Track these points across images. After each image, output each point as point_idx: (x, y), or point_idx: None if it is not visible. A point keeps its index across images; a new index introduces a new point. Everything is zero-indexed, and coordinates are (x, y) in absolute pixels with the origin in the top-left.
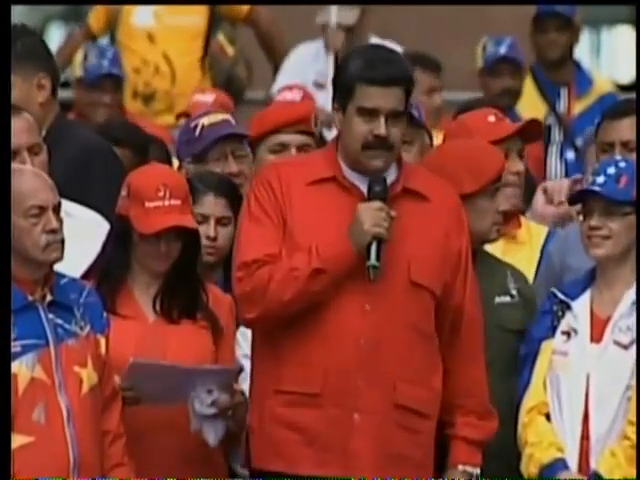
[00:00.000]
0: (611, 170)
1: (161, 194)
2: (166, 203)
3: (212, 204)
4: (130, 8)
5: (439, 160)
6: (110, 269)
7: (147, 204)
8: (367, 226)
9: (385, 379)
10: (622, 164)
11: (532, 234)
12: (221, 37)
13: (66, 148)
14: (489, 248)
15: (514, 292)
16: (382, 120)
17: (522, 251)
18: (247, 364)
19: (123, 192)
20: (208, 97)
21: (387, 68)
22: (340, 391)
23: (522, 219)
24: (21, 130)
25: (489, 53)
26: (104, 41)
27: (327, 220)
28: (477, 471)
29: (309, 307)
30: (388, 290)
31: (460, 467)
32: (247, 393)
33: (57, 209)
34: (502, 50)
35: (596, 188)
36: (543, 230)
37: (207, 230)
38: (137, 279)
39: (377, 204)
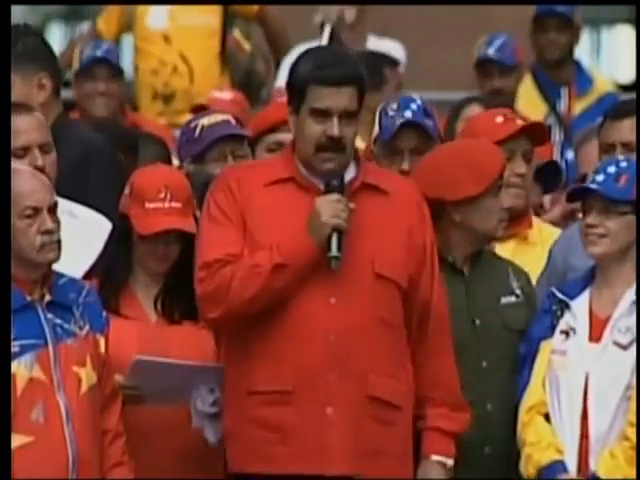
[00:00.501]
0: (611, 169)
1: (162, 195)
2: (166, 205)
3: None
4: (143, 11)
5: (437, 162)
6: (112, 269)
7: (147, 205)
8: (325, 218)
9: (356, 372)
10: (623, 163)
11: (543, 235)
12: (237, 33)
13: (66, 148)
14: (501, 249)
15: (518, 291)
16: (335, 121)
17: (533, 252)
18: None
19: (126, 191)
20: (226, 95)
21: (337, 68)
22: (312, 387)
23: (534, 220)
24: (33, 128)
25: (479, 53)
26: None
27: (286, 219)
28: (451, 462)
29: (273, 304)
30: (353, 283)
31: (433, 457)
32: None
33: (53, 210)
34: (489, 51)
35: (594, 186)
36: (555, 231)
37: None
38: (138, 279)
39: (335, 196)
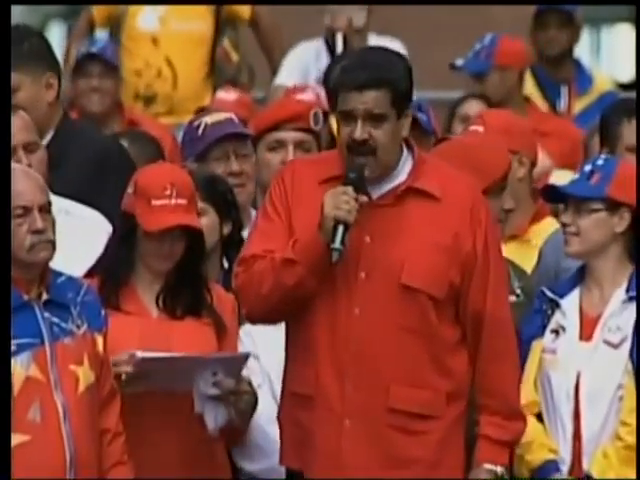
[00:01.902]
0: (587, 167)
1: (168, 192)
2: (172, 202)
3: None
4: (135, 12)
5: (443, 157)
6: (114, 266)
7: (153, 202)
8: (328, 210)
9: (376, 383)
10: (600, 162)
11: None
12: (226, 43)
13: (77, 150)
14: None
15: (518, 291)
16: (359, 123)
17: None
18: (250, 362)
19: (129, 189)
20: (230, 95)
21: (359, 73)
22: (330, 396)
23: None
24: (17, 128)
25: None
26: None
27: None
28: (501, 470)
29: (294, 305)
30: (378, 293)
31: (484, 465)
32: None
33: (45, 209)
34: (458, 61)
35: (560, 185)
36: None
37: None
38: (141, 276)
39: (341, 188)
